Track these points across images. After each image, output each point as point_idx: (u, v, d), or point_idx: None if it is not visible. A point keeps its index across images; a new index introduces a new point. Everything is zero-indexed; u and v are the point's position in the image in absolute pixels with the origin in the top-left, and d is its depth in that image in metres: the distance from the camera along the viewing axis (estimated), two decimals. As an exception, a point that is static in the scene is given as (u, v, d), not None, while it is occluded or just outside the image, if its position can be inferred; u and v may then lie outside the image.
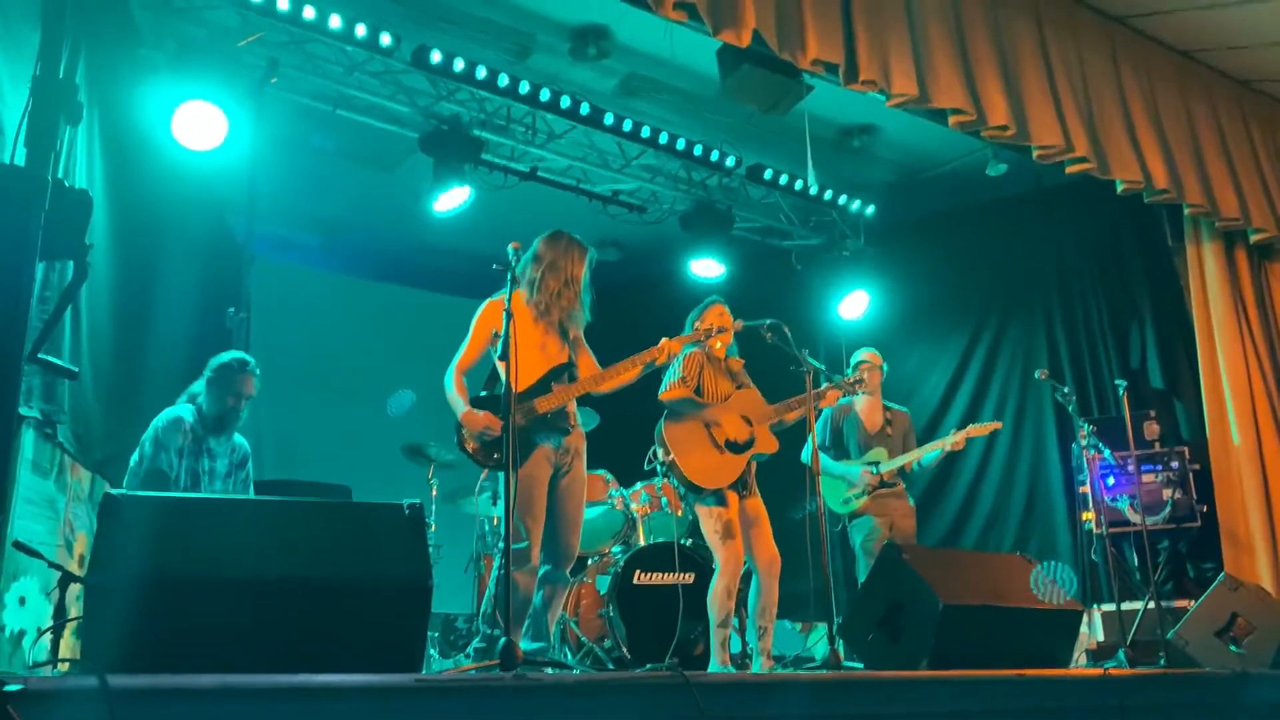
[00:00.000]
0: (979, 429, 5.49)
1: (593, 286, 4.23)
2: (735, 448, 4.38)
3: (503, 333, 3.39)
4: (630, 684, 2.69)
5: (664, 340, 4.12)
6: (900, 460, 5.36)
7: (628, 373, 4.08)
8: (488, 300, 4.09)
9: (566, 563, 4.01)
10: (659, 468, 4.42)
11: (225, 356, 4.35)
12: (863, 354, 5.67)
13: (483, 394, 4.03)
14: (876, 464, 5.31)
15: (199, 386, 4.36)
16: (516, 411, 3.79)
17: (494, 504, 5.54)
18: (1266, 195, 6.32)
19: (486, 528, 5.87)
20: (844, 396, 4.99)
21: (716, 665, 4.25)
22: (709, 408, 4.41)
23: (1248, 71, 6.45)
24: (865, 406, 5.54)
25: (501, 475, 3.92)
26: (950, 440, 5.36)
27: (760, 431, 4.42)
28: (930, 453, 5.39)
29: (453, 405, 3.96)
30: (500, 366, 3.94)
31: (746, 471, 4.41)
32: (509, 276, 3.53)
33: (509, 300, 3.46)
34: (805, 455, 5.24)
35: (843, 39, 4.73)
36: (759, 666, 4.28)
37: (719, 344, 4.42)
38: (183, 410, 4.31)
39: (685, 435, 4.35)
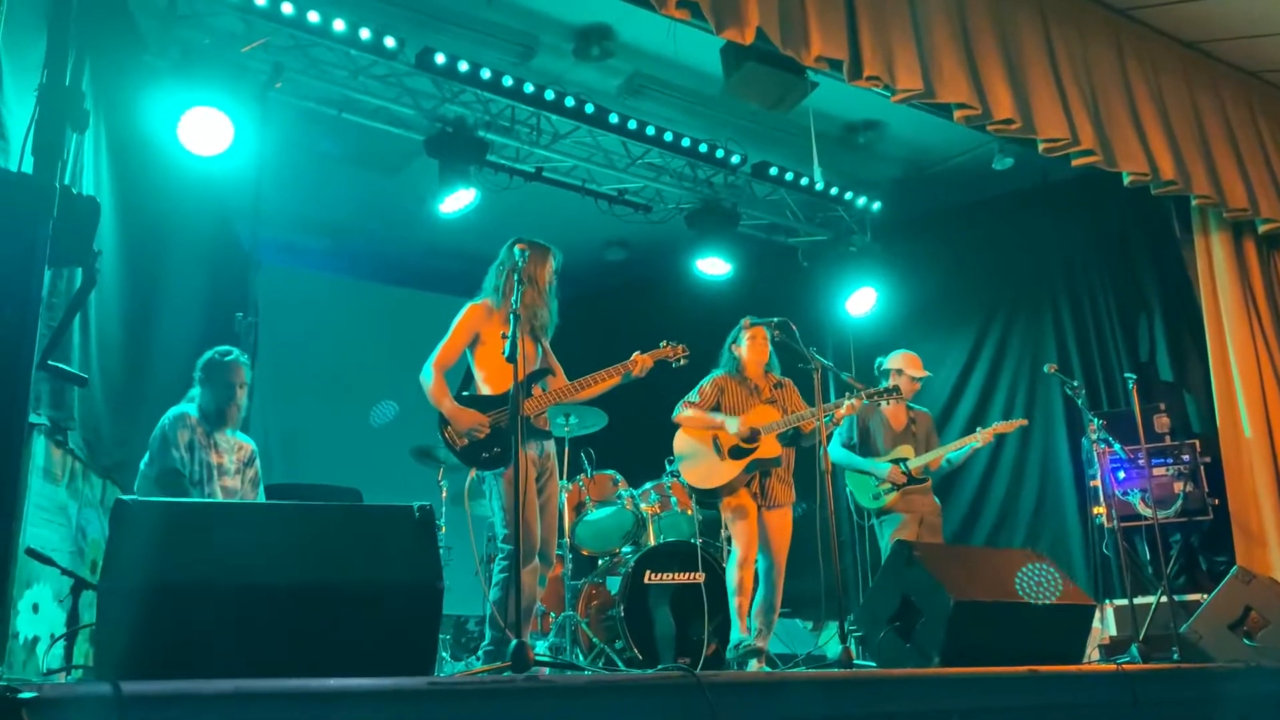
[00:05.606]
0: (1007, 425, 5.57)
1: (560, 290, 4.33)
2: (737, 453, 4.61)
3: (510, 334, 3.39)
4: (642, 685, 2.68)
5: (636, 354, 4.28)
6: (929, 456, 5.41)
7: (605, 383, 4.20)
8: (470, 303, 4.20)
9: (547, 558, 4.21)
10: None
11: (209, 354, 4.41)
12: (900, 361, 5.63)
13: (465, 394, 4.13)
14: (904, 460, 5.35)
15: (194, 391, 4.40)
16: (501, 415, 3.88)
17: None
18: (1275, 185, 6.28)
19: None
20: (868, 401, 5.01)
21: (738, 634, 4.50)
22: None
23: (1254, 62, 6.42)
24: (891, 406, 5.57)
25: (489, 475, 4.06)
26: (980, 437, 5.45)
27: (764, 439, 4.62)
28: (960, 449, 5.44)
29: (435, 401, 4.05)
30: (480, 371, 4.14)
31: (758, 479, 4.64)
32: (516, 278, 3.55)
33: (517, 301, 3.48)
34: (833, 454, 5.34)
35: (846, 35, 4.72)
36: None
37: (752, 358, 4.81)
38: (186, 407, 4.35)
39: (692, 445, 4.72)
